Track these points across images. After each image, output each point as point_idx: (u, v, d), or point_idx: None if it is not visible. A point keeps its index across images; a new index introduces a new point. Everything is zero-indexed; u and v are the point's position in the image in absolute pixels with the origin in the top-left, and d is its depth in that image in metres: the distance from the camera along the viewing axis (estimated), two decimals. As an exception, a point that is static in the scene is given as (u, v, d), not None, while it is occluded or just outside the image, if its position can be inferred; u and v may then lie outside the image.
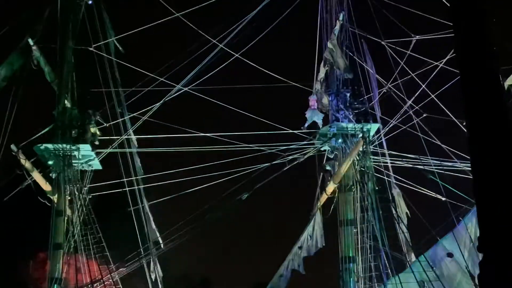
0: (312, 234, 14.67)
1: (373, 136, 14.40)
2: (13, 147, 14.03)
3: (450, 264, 13.84)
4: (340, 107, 14.02)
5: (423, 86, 13.76)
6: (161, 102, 13.10)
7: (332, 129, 14.25)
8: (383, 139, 14.83)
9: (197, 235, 13.52)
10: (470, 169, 13.66)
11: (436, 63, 14.57)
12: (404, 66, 13.88)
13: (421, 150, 14.15)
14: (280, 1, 13.89)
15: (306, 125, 14.19)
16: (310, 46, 14.53)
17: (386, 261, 13.07)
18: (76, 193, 14.20)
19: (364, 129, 13.82)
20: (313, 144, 14.30)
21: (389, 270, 13.35)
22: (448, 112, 14.17)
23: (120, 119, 13.79)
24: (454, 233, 14.07)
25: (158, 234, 14.08)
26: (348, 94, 14.56)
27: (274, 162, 14.34)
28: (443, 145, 13.84)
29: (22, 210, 16.61)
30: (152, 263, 14.25)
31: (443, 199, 13.51)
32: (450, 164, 14.00)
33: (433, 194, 13.99)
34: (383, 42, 14.33)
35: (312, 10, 14.27)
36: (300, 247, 14.68)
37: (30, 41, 14.15)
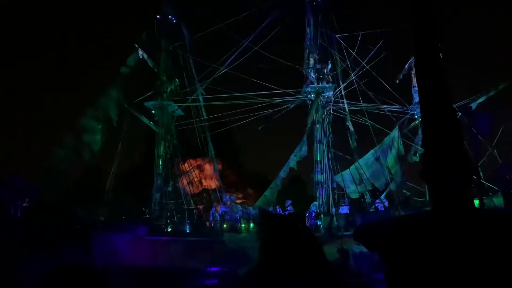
0: (302, 147, 23.60)
1: (334, 92, 23.69)
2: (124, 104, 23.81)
3: (375, 163, 23.58)
4: (314, 76, 23.33)
5: (363, 62, 22.80)
6: (209, 79, 23.16)
7: (307, 89, 23.00)
8: (343, 92, 23.89)
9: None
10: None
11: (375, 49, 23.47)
12: (351, 51, 22.83)
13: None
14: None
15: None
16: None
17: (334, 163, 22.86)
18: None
19: (321, 89, 22.59)
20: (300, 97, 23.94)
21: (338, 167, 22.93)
22: (378, 78, 23.25)
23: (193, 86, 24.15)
24: (380, 145, 23.71)
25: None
26: (324, 70, 23.78)
27: (278, 108, 23.91)
28: (372, 95, 22.97)
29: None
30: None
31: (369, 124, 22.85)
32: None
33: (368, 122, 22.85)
34: (337, 36, 23.35)
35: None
36: (295, 155, 23.24)
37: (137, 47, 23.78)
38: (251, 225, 20.83)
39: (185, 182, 24.56)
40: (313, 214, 21.17)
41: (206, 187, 29.34)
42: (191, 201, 24.16)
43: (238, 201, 34.62)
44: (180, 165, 24.59)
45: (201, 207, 25.43)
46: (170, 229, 21.13)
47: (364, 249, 13.43)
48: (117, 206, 23.24)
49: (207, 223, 22.62)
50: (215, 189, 25.59)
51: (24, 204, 20.84)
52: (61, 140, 22.13)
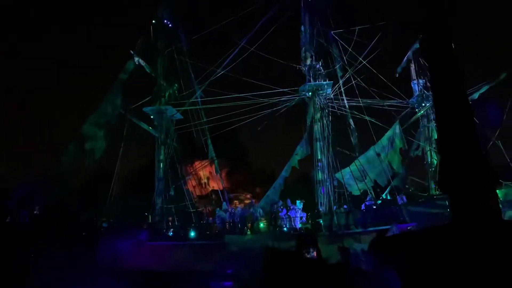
0: (303, 146, 23.20)
1: (332, 89, 23.36)
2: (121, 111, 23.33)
3: (376, 159, 23.18)
4: (311, 74, 23.08)
5: (360, 58, 22.51)
6: (207, 82, 23.12)
7: (304, 87, 22.70)
8: (342, 89, 23.59)
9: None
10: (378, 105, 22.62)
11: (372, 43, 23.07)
12: (347, 46, 22.54)
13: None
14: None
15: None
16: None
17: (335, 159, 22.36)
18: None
19: (318, 86, 22.31)
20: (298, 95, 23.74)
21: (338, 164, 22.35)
22: (376, 72, 22.93)
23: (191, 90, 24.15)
24: (381, 141, 23.37)
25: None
26: (318, 66, 23.58)
27: (276, 108, 23.59)
28: (371, 90, 22.56)
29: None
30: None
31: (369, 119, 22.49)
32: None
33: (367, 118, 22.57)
34: (333, 32, 23.04)
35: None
36: (296, 154, 23.02)
37: (132, 53, 23.63)
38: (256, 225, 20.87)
39: (191, 184, 24.60)
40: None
41: (215, 188, 29.36)
42: (194, 204, 24.11)
43: (247, 201, 34.62)
44: (184, 168, 24.65)
45: (209, 209, 25.40)
46: (171, 233, 21.17)
47: (365, 247, 13.03)
48: (120, 211, 23.43)
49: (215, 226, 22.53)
50: (217, 190, 25.59)
51: (35, 212, 21.35)
52: (63, 147, 22.48)
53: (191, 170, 25.16)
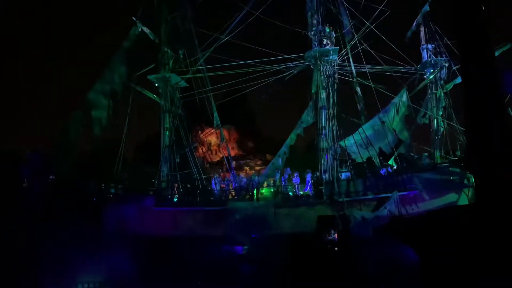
0: (308, 114, 23.09)
1: (339, 55, 23.03)
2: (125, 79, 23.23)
3: (381, 127, 22.96)
4: (316, 39, 22.78)
5: (367, 23, 22.08)
6: (211, 49, 23.09)
7: (309, 53, 22.47)
8: (350, 55, 23.28)
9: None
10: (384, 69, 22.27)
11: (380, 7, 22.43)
12: (353, 11, 22.09)
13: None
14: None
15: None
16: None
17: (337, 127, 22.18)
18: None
19: (323, 52, 22.07)
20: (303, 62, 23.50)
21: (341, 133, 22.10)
22: (384, 38, 22.49)
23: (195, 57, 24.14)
24: (386, 109, 23.21)
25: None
26: (325, 32, 23.19)
27: (282, 75, 23.40)
28: (376, 56, 22.16)
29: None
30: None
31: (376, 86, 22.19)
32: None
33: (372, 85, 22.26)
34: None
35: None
36: (301, 122, 22.84)
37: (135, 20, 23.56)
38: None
39: (201, 151, 25.02)
40: None
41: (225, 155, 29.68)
42: (200, 171, 24.47)
43: (258, 168, 35.13)
44: (190, 136, 24.96)
45: (222, 175, 25.86)
46: (176, 199, 21.73)
47: (366, 215, 13.32)
48: (127, 178, 24.02)
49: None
50: (222, 157, 25.99)
51: (51, 177, 22.03)
52: (69, 115, 22.83)
53: (198, 138, 25.54)
